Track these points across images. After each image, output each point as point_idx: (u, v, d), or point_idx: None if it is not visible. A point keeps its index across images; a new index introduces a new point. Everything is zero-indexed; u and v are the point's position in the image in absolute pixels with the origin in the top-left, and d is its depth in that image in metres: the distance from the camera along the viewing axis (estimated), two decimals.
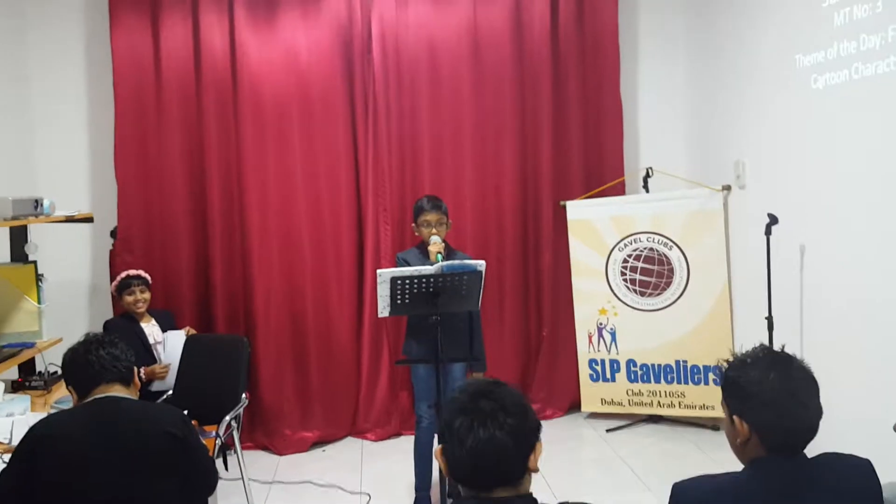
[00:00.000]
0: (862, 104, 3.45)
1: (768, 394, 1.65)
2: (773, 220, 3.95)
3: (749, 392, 1.68)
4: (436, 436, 3.53)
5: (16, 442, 2.35)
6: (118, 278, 4.15)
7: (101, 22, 4.63)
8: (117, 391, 2.29)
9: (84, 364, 2.29)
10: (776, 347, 1.78)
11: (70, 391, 2.35)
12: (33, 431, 2.22)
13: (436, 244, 3.56)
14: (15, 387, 3.65)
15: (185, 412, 2.43)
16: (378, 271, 3.28)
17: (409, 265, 3.53)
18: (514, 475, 1.51)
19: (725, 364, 1.78)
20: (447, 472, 1.54)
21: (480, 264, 3.35)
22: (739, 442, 1.71)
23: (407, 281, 3.22)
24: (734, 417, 1.71)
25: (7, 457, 2.33)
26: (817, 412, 1.68)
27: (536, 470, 1.54)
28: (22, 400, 3.34)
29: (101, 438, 2.18)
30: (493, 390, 1.53)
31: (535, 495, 1.54)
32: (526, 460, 1.51)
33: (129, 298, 4.09)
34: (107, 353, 2.30)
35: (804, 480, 1.64)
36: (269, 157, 4.70)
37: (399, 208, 4.82)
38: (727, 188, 4.65)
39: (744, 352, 1.77)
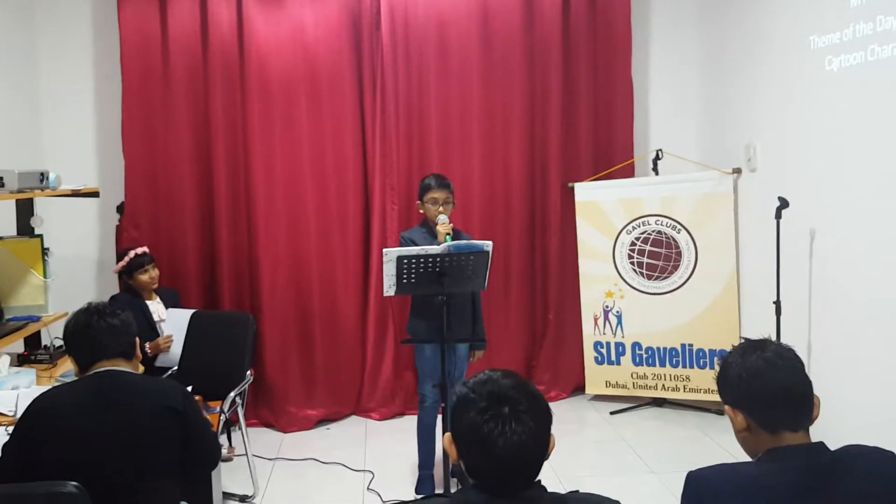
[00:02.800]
0: (877, 86, 3.39)
1: (748, 372, 1.67)
2: (784, 203, 3.91)
3: (732, 377, 1.70)
4: (439, 417, 3.57)
5: (20, 414, 2.35)
6: (127, 258, 4.11)
7: None
8: (118, 365, 2.28)
9: (85, 339, 2.27)
10: (782, 332, 1.78)
11: (71, 360, 2.34)
12: (33, 406, 2.22)
13: (444, 225, 3.53)
14: (20, 360, 3.66)
15: (189, 388, 2.43)
16: (384, 250, 3.26)
17: (414, 244, 3.52)
18: (537, 472, 1.49)
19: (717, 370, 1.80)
20: (456, 461, 1.52)
21: (487, 244, 3.33)
22: (741, 432, 1.70)
23: (413, 260, 3.20)
24: (727, 408, 1.72)
25: (11, 429, 2.33)
26: (803, 380, 1.67)
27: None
28: (27, 373, 3.34)
29: (101, 413, 2.17)
30: (512, 392, 1.47)
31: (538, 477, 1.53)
32: (544, 457, 1.50)
33: (144, 277, 4.09)
34: (108, 327, 2.27)
35: (828, 470, 1.60)
36: (275, 135, 4.67)
37: (406, 187, 4.79)
38: (737, 171, 4.61)
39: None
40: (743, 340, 1.79)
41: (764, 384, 1.65)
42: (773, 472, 1.61)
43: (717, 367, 1.79)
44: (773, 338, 1.82)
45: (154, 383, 2.40)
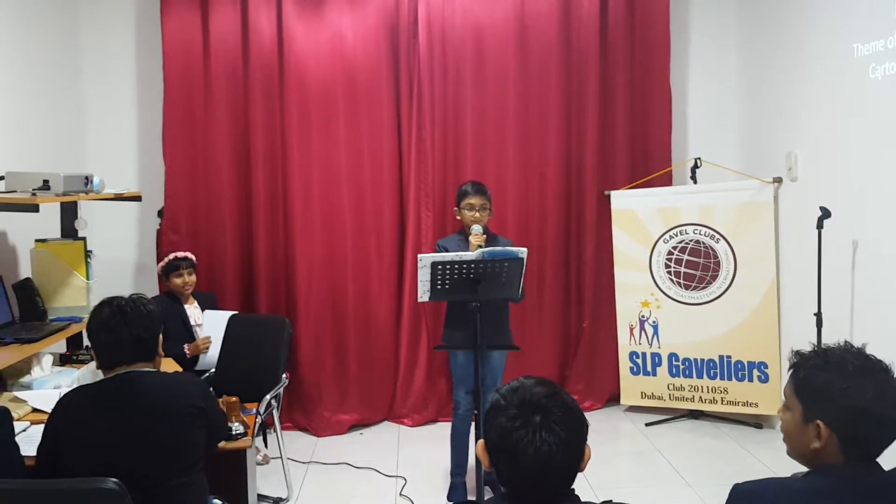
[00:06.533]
0: None
1: (865, 406, 1.54)
2: (826, 213, 3.84)
3: (844, 403, 1.55)
4: (472, 424, 3.56)
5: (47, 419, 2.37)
6: (165, 260, 4.23)
7: (151, 4, 4.69)
8: (140, 367, 2.29)
9: (107, 345, 2.27)
10: (857, 344, 1.62)
11: (93, 354, 2.36)
12: (58, 408, 2.26)
13: (477, 236, 3.54)
14: (63, 360, 3.73)
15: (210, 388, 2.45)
16: (419, 256, 3.27)
17: (447, 252, 3.51)
18: (569, 484, 1.48)
19: (797, 358, 1.65)
20: (489, 468, 1.51)
21: (522, 251, 3.31)
22: (814, 447, 1.59)
23: (448, 266, 3.20)
24: (818, 423, 1.57)
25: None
26: None
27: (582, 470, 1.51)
28: (69, 373, 3.41)
29: (124, 418, 2.19)
30: (544, 401, 1.45)
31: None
32: (577, 468, 1.48)
33: (178, 281, 4.17)
34: (131, 337, 2.26)
35: (880, 491, 1.54)
36: (313, 142, 4.72)
37: (441, 195, 4.80)
38: (778, 180, 4.53)
39: (828, 350, 1.64)
40: (844, 345, 1.64)
41: (881, 425, 1.55)
42: (823, 490, 1.55)
43: (795, 359, 1.64)
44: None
45: (174, 382, 2.37)
